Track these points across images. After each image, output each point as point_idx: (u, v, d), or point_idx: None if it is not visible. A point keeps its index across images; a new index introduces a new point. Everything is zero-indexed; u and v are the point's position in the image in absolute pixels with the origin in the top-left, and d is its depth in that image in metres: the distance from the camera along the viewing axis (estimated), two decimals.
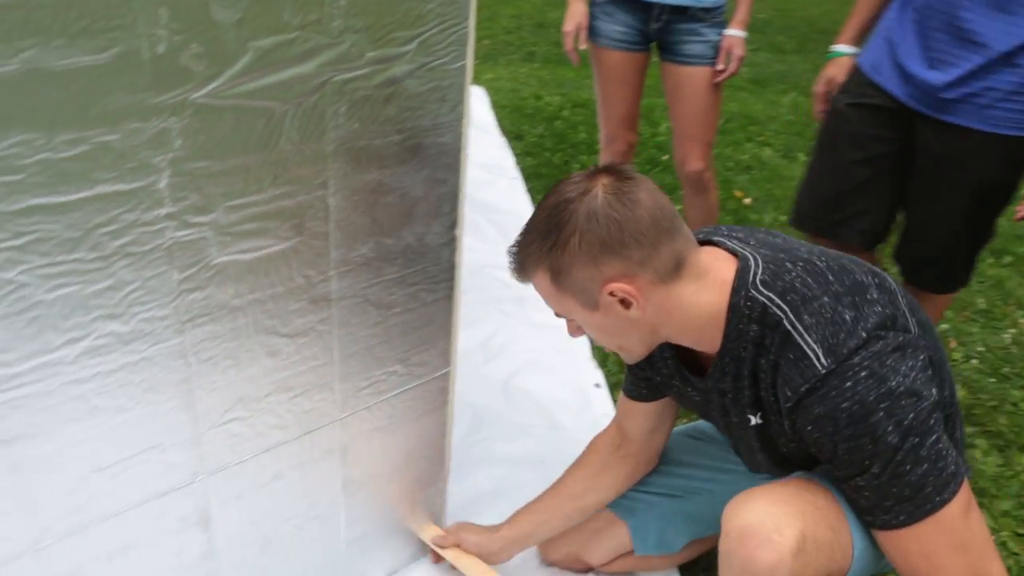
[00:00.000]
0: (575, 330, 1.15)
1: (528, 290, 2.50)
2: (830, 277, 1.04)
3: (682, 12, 2.18)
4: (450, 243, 1.25)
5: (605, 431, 1.45)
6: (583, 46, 2.36)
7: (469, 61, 1.14)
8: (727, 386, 1.12)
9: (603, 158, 2.53)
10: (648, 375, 1.30)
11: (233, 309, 1.02)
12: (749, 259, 1.07)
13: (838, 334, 0.99)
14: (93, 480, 0.98)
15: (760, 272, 1.05)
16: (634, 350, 1.15)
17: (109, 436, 0.97)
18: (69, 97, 0.79)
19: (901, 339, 1.00)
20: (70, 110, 0.80)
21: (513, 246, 1.10)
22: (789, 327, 1.01)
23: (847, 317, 1.00)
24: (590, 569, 1.50)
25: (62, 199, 0.83)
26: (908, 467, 0.96)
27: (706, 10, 2.17)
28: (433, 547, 1.46)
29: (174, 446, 1.04)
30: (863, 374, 0.97)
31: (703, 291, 1.06)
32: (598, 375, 2.15)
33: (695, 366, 1.20)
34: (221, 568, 1.17)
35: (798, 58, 6.34)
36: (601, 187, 1.02)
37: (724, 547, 1.07)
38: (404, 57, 1.04)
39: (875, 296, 1.04)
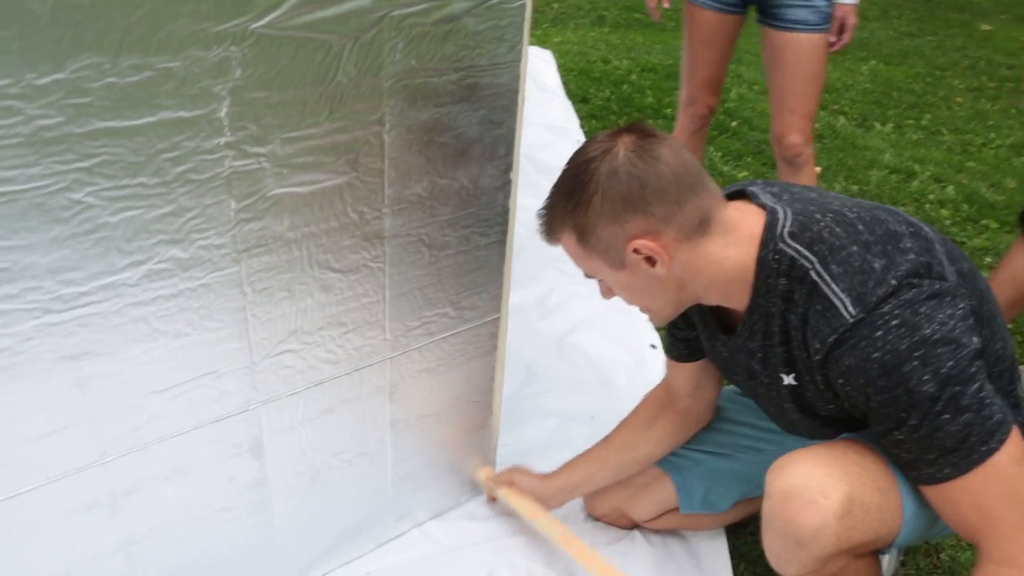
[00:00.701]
0: (606, 292, 1.15)
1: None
2: (860, 227, 1.01)
3: None
4: (504, 187, 1.25)
5: (656, 387, 1.44)
6: (666, 4, 2.27)
7: (528, 1, 1.12)
8: (756, 345, 1.11)
9: (681, 119, 2.46)
10: (685, 335, 1.30)
11: (288, 241, 1.05)
12: (778, 212, 1.04)
13: (867, 283, 0.96)
14: (153, 401, 1.02)
15: (788, 224, 1.03)
16: (662, 311, 1.14)
17: (168, 359, 1.01)
18: (134, 23, 0.81)
19: (937, 287, 0.96)
20: (135, 35, 0.82)
21: (540, 209, 1.10)
22: (816, 278, 0.99)
23: (876, 266, 0.97)
24: (635, 525, 1.50)
25: (127, 123, 0.85)
26: (948, 417, 0.92)
27: None
28: (487, 486, 1.48)
29: (229, 373, 1.07)
30: (894, 323, 0.93)
31: (731, 247, 1.04)
32: (654, 336, 2.13)
33: (725, 325, 1.19)
34: (271, 496, 1.21)
35: (880, 25, 6.08)
36: (623, 145, 1.01)
37: (767, 509, 1.06)
38: None
39: (909, 245, 0.99)
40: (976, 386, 0.93)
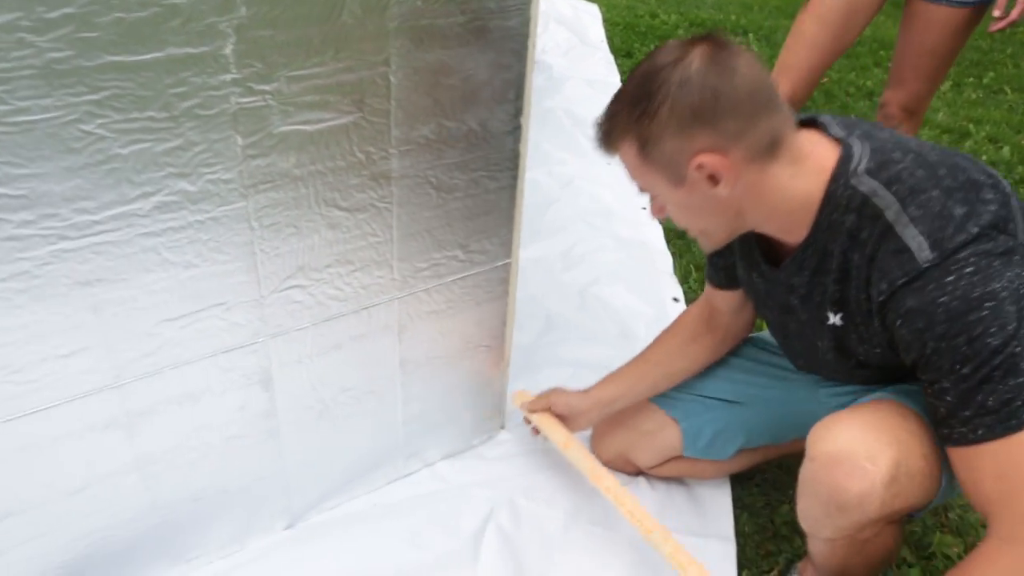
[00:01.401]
0: (658, 210, 1.10)
1: (616, 204, 2.49)
2: (941, 171, 0.96)
3: None
4: (514, 131, 1.25)
5: (696, 304, 1.44)
6: None
7: None
8: (800, 281, 1.08)
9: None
10: (724, 262, 1.29)
11: (295, 178, 1.07)
12: (853, 147, 1.00)
13: (946, 228, 0.91)
14: (164, 329, 1.07)
15: (865, 161, 0.98)
16: (715, 235, 1.09)
17: (178, 289, 1.06)
18: None
19: (1011, 244, 0.92)
20: None
21: (600, 116, 1.05)
22: (892, 219, 0.95)
23: (957, 213, 0.92)
24: (640, 472, 1.52)
25: (135, 58, 0.88)
26: (1000, 375, 0.89)
27: None
28: (524, 411, 1.50)
29: (238, 305, 1.12)
30: (968, 270, 0.89)
31: (799, 176, 1.00)
32: (677, 290, 2.13)
33: (769, 256, 1.16)
34: (281, 427, 1.27)
35: None
36: (697, 55, 0.96)
37: (808, 473, 1.03)
38: None
39: (989, 196, 0.94)
40: None
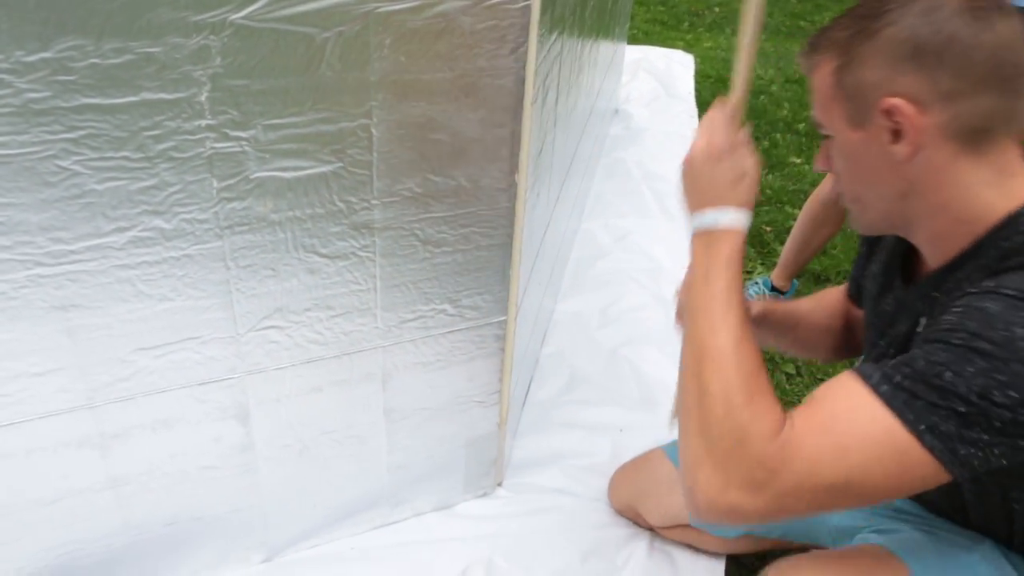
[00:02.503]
0: (823, 161, 0.95)
1: (668, 262, 2.43)
2: None
3: None
4: (508, 189, 1.24)
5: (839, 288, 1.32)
6: None
7: (535, 3, 1.11)
8: (922, 307, 0.93)
9: (817, 192, 2.12)
10: (858, 274, 1.18)
11: (272, 223, 1.10)
12: None
13: None
14: (139, 357, 1.11)
15: None
16: (870, 210, 0.91)
17: (153, 320, 1.09)
18: (115, 9, 0.88)
19: None
20: (117, 21, 0.89)
21: (823, 27, 0.91)
22: None
23: None
24: (650, 528, 1.48)
25: (110, 101, 0.93)
26: (952, 373, 0.73)
27: None
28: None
29: (213, 340, 1.14)
30: None
31: (991, 187, 0.83)
32: None
33: (907, 274, 1.01)
34: (257, 462, 1.28)
35: None
36: None
37: None
38: None
39: None
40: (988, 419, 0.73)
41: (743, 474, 0.78)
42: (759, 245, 2.65)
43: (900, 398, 0.75)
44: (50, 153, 0.93)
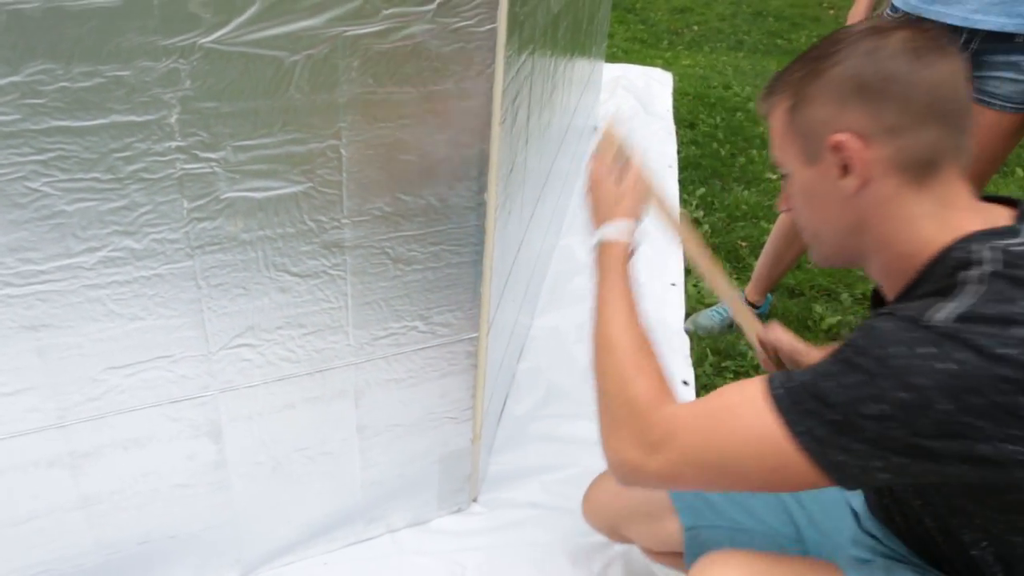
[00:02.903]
0: (784, 201, 1.00)
1: (645, 278, 2.45)
2: None
3: (1003, 40, 1.68)
4: (478, 207, 1.26)
5: None
6: None
7: (501, 26, 1.13)
8: None
9: None
10: None
11: (243, 242, 1.11)
12: (1022, 231, 0.83)
13: (991, 327, 0.75)
14: (110, 376, 1.12)
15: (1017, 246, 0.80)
16: (825, 245, 0.96)
17: (124, 339, 1.10)
18: (84, 34, 0.90)
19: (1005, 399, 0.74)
20: (86, 46, 0.91)
21: (778, 71, 0.97)
22: (961, 280, 0.80)
23: (1015, 334, 0.75)
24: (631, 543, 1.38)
25: (80, 124, 0.94)
26: (832, 384, 0.78)
27: None
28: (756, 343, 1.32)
29: (185, 359, 1.15)
30: (940, 363, 0.75)
31: (932, 220, 0.86)
32: (689, 373, 2.06)
33: (876, 303, 1.03)
34: (231, 479, 1.29)
35: None
36: (900, 35, 0.86)
37: None
38: (424, 16, 1.06)
39: None
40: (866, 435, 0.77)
41: (637, 436, 0.89)
42: (734, 260, 2.68)
43: (786, 401, 0.81)
44: (20, 175, 0.94)
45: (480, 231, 1.29)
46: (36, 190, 0.96)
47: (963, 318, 0.76)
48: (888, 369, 0.76)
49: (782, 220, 2.18)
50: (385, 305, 1.27)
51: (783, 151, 0.95)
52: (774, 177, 3.31)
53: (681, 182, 3.15)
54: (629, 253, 1.09)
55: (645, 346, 0.97)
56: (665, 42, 5.75)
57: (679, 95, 4.25)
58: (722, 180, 3.24)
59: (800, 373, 0.83)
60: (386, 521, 1.51)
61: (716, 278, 1.24)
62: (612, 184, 1.13)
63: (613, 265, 1.07)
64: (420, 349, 1.35)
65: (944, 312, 0.77)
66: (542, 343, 2.14)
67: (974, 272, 0.80)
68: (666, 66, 4.88)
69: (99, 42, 0.91)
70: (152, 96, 0.96)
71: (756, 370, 2.10)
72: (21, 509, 1.15)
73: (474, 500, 1.62)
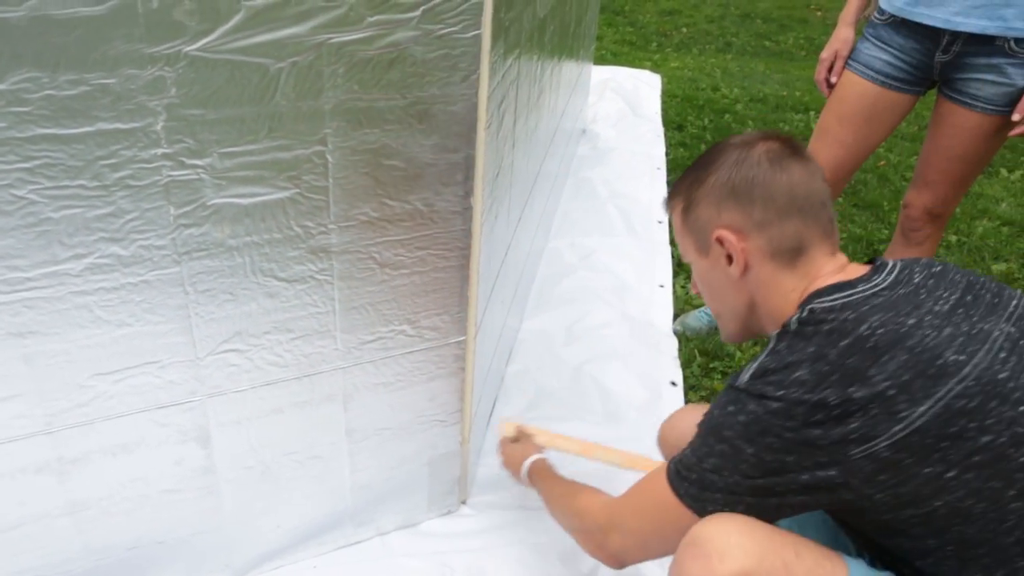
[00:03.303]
0: (694, 286, 1.18)
1: (633, 280, 2.47)
2: (870, 369, 0.89)
3: (984, 43, 1.70)
4: (464, 212, 1.27)
5: None
6: (835, 78, 1.95)
7: (486, 32, 1.14)
8: None
9: None
10: None
11: (230, 248, 1.12)
12: (856, 287, 0.96)
13: (768, 377, 0.94)
14: (98, 382, 1.12)
15: (853, 299, 0.95)
16: (729, 322, 1.14)
17: (112, 345, 1.11)
18: (70, 43, 0.90)
19: (786, 439, 0.92)
20: (71, 54, 0.91)
21: (676, 180, 1.17)
22: (782, 330, 0.99)
23: (799, 377, 0.91)
24: None
25: (66, 131, 0.95)
26: (689, 450, 1.02)
27: (1020, 41, 1.66)
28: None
29: (172, 364, 1.16)
30: (739, 417, 0.96)
31: (797, 293, 1.03)
32: (677, 374, 2.08)
33: None
34: (220, 484, 1.29)
35: None
36: (763, 146, 1.05)
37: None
38: (408, 23, 1.07)
39: (853, 408, 0.89)
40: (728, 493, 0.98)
41: (593, 549, 1.16)
42: None
43: (672, 472, 1.03)
44: (5, 182, 0.94)
45: (467, 235, 1.29)
46: (22, 197, 0.96)
47: (754, 375, 0.96)
48: (711, 428, 0.99)
49: None
50: (372, 309, 1.28)
51: (683, 245, 1.15)
52: None
53: (669, 184, 3.17)
54: (547, 462, 1.43)
55: (579, 488, 1.26)
56: (654, 44, 5.78)
57: (667, 97, 4.26)
58: None
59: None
60: (375, 524, 1.52)
61: (612, 457, 1.51)
62: (515, 447, 1.51)
63: (542, 475, 1.39)
64: (408, 353, 1.35)
65: (746, 372, 0.97)
66: (531, 346, 2.15)
67: (782, 332, 0.99)
68: (655, 68, 4.91)
69: (85, 50, 0.91)
70: (138, 104, 0.97)
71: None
72: (9, 516, 1.15)
73: (463, 503, 1.62)
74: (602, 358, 2.10)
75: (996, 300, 0.97)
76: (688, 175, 1.11)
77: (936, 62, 1.79)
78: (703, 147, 3.63)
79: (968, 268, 2.69)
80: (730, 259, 1.05)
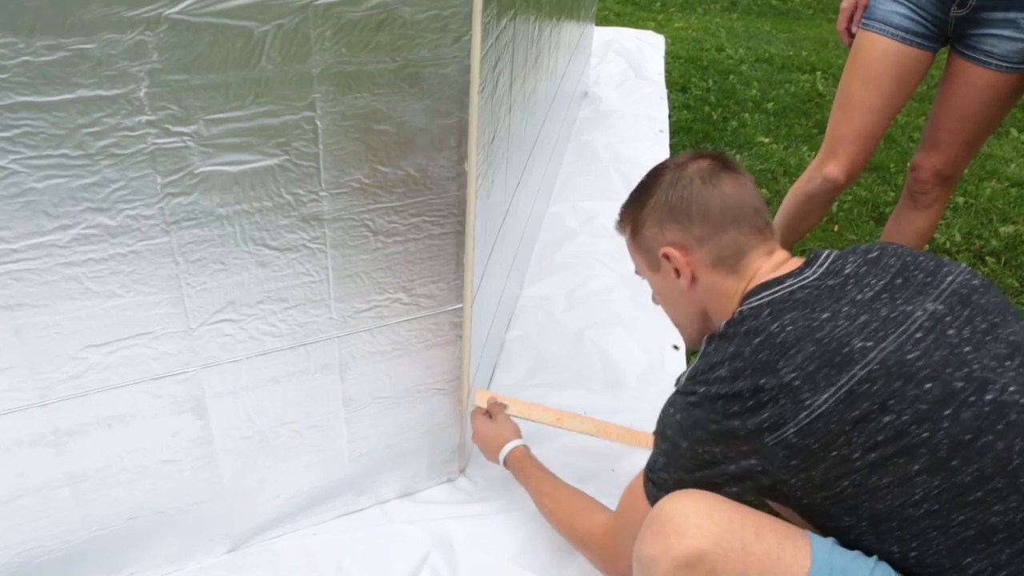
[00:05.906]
0: (653, 299, 1.27)
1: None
2: (778, 363, 0.95)
3: None
4: (458, 177, 1.24)
5: None
6: (855, 28, 1.86)
7: None
8: None
9: (801, 184, 2.01)
10: None
11: (220, 217, 1.10)
12: (785, 281, 1.03)
13: (696, 377, 1.03)
14: (90, 354, 1.11)
15: (774, 296, 1.02)
16: (686, 328, 1.23)
17: (103, 317, 1.09)
18: (46, 5, 0.88)
19: (713, 429, 1.00)
20: (47, 18, 0.88)
21: (624, 202, 1.25)
22: (711, 334, 1.06)
23: (719, 375, 1.00)
24: None
25: (45, 99, 0.92)
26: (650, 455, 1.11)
27: None
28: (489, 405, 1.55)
29: (165, 335, 1.15)
30: (677, 415, 1.05)
31: (737, 296, 1.10)
32: (679, 337, 2.06)
33: None
34: (217, 454, 1.29)
35: None
36: (695, 166, 1.13)
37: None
38: None
39: (762, 397, 0.95)
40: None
41: (609, 570, 1.21)
42: None
43: (644, 479, 1.11)
44: None
45: (461, 201, 1.27)
46: (3, 167, 0.94)
47: (688, 377, 1.05)
48: (658, 431, 1.09)
49: (793, 197, 2.10)
50: (367, 277, 1.26)
51: (637, 263, 1.23)
52: (766, 141, 3.29)
53: (672, 147, 3.13)
54: (526, 450, 1.43)
55: (569, 498, 1.30)
56: (657, 4, 5.67)
57: (671, 58, 4.19)
58: (714, 144, 3.22)
59: None
60: (375, 492, 1.52)
61: (606, 431, 1.55)
62: (489, 426, 1.48)
63: (523, 465, 1.40)
64: (404, 321, 1.34)
65: (683, 376, 1.07)
66: (531, 312, 2.13)
67: (711, 336, 1.06)
68: (658, 29, 4.82)
69: (61, 14, 0.89)
70: (119, 69, 0.94)
71: None
72: (8, 487, 1.15)
73: (462, 471, 1.62)
74: (603, 324, 2.09)
75: (928, 279, 1.00)
76: (632, 199, 1.20)
77: (951, 17, 1.73)
78: (707, 109, 3.57)
79: (973, 230, 2.65)
80: (677, 273, 1.13)
